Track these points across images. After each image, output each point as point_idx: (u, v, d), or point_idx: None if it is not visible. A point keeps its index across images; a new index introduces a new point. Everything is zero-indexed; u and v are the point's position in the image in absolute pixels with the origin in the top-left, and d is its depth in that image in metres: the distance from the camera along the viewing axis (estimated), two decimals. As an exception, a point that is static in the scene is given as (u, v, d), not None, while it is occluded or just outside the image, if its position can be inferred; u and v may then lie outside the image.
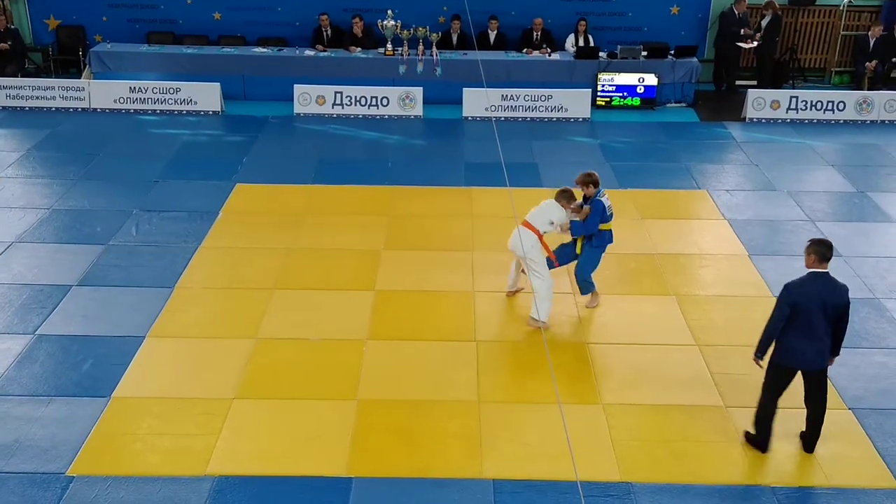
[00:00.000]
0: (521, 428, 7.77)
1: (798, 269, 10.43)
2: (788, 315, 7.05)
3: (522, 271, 9.52)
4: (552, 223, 9.13)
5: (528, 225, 9.15)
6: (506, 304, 9.71)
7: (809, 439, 7.51)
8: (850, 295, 10.23)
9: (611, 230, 9.35)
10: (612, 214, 9.26)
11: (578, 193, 9.34)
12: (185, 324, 9.28)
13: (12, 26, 16.71)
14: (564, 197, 9.24)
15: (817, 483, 7.22)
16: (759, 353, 7.26)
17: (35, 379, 8.32)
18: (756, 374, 8.46)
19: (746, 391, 8.26)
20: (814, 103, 15.91)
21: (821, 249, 7.07)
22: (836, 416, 7.99)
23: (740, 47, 16.86)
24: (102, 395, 8.09)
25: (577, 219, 9.24)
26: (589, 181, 9.24)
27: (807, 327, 7.07)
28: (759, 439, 7.49)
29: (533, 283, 9.13)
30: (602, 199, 9.21)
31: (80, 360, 8.59)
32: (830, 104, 15.90)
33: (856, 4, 17.61)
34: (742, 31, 16.68)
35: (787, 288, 7.06)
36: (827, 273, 7.10)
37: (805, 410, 7.48)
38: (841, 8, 17.63)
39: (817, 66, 18.32)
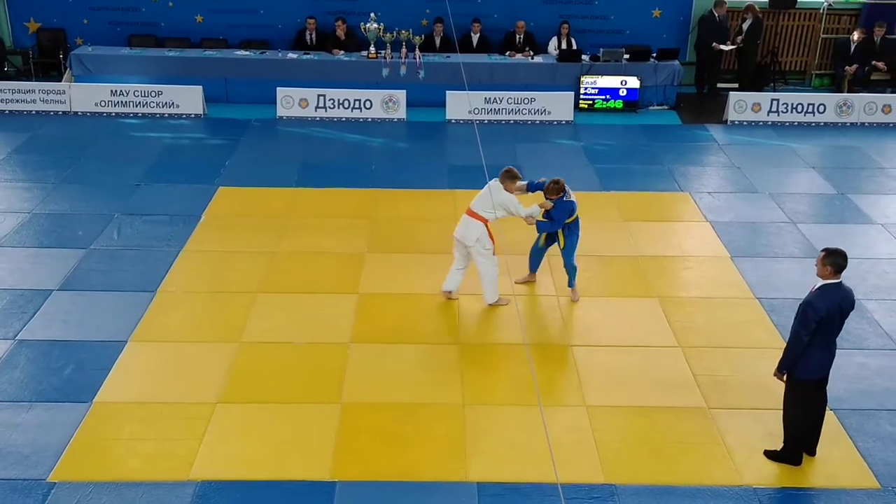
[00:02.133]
0: (505, 430, 7.78)
1: (779, 270, 10.58)
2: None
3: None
4: (495, 209, 9.18)
5: (473, 214, 9.21)
6: (488, 306, 9.69)
7: (812, 443, 7.53)
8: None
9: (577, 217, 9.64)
10: (575, 208, 9.56)
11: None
12: (167, 328, 9.24)
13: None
14: (507, 177, 9.35)
15: (799, 483, 7.26)
16: (785, 371, 7.19)
17: (15, 384, 8.25)
18: (738, 375, 8.57)
19: (729, 392, 8.32)
20: (794, 106, 16.02)
21: (838, 261, 7.00)
22: (817, 416, 8.05)
23: (721, 50, 16.95)
24: (84, 400, 8.04)
25: (542, 219, 9.50)
26: (560, 190, 9.41)
27: (827, 339, 7.11)
28: (796, 455, 7.44)
29: (480, 268, 9.38)
30: (570, 199, 9.45)
31: (61, 365, 8.53)
32: (811, 107, 16.02)
33: (836, 8, 17.74)
34: (713, 44, 16.76)
35: (812, 305, 6.95)
36: (841, 283, 7.09)
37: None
38: (821, 11, 17.76)
39: (798, 68, 18.43)
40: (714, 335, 9.29)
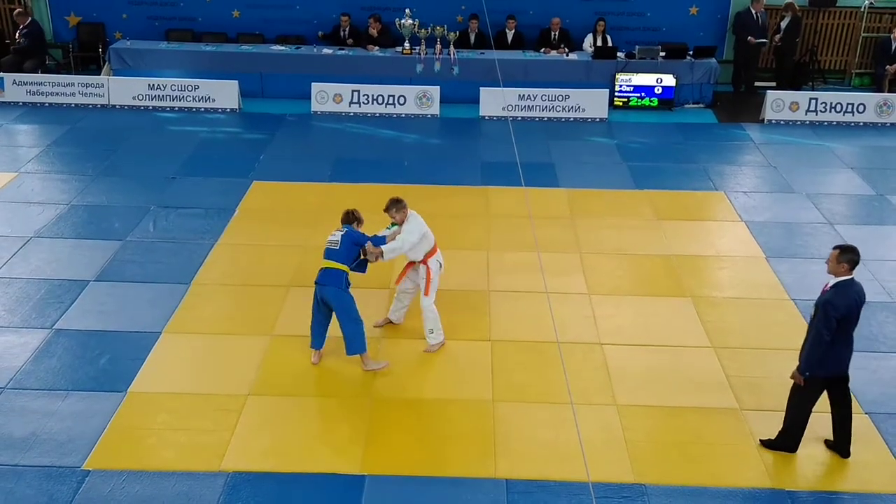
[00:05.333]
0: (535, 428, 7.76)
1: (815, 271, 10.44)
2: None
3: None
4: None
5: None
6: (520, 303, 9.68)
7: (844, 444, 7.48)
8: (868, 299, 10.17)
9: None
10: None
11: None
12: (201, 320, 9.33)
13: (37, 24, 16.82)
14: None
15: (833, 487, 7.17)
16: (810, 370, 7.13)
17: (52, 373, 8.38)
18: (771, 377, 8.46)
19: (762, 394, 8.24)
20: (833, 105, 15.79)
21: (854, 258, 7.03)
22: (853, 420, 7.93)
23: (758, 46, 16.76)
24: (119, 389, 8.14)
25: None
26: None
27: (847, 335, 7.08)
28: (792, 443, 7.44)
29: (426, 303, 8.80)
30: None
31: (96, 355, 8.65)
32: (850, 106, 15.78)
33: (877, 6, 17.46)
34: (748, 38, 16.59)
35: (832, 304, 6.94)
36: (853, 278, 7.07)
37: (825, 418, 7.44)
38: (862, 10, 17.50)
39: (837, 67, 18.19)
40: (748, 336, 9.19)
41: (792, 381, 7.32)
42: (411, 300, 9.09)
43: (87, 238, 10.98)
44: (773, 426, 7.78)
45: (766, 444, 7.55)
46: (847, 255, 7.02)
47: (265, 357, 8.70)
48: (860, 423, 7.89)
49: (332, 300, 8.27)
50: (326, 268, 8.32)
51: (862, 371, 8.59)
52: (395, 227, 8.71)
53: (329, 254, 8.35)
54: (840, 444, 7.48)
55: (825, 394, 7.35)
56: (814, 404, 7.34)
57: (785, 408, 7.47)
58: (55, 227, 11.23)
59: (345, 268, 8.30)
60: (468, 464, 7.34)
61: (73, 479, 7.06)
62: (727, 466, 7.39)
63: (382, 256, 8.49)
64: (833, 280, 7.07)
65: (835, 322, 6.92)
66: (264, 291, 9.85)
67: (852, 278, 7.06)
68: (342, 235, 8.38)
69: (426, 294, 8.71)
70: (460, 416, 7.90)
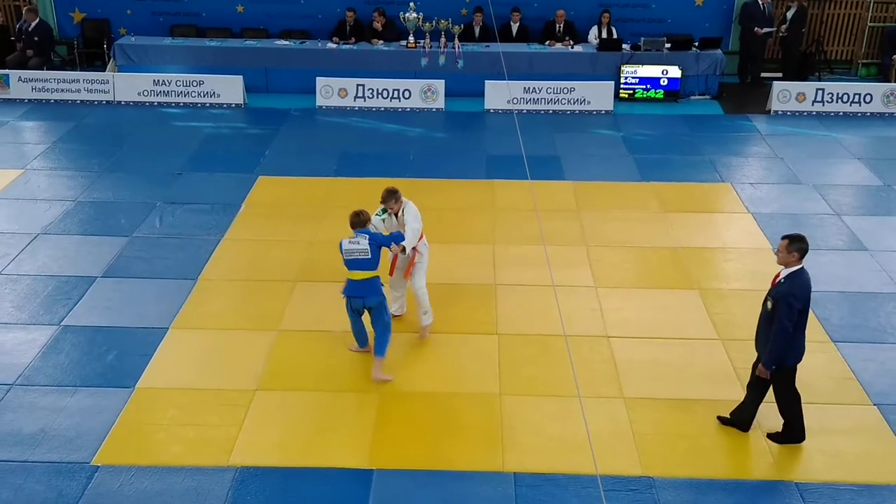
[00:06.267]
0: (542, 421, 7.76)
1: (822, 262, 10.42)
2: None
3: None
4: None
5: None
6: (527, 297, 9.67)
7: (748, 422, 7.57)
8: (875, 289, 10.20)
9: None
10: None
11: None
12: (208, 315, 9.34)
13: (46, 22, 16.83)
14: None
15: (842, 479, 7.15)
16: (777, 364, 7.14)
17: (60, 369, 8.40)
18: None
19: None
20: (840, 96, 15.73)
21: (804, 247, 7.05)
22: (861, 412, 7.93)
23: (763, 36, 16.70)
24: (126, 385, 8.16)
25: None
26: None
27: (803, 324, 7.13)
28: (800, 433, 7.46)
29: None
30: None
31: (104, 351, 8.67)
32: (857, 97, 15.72)
33: (883, -5, 17.40)
34: (755, 28, 16.52)
35: (793, 295, 6.96)
36: (803, 267, 7.10)
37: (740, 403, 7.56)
38: (868, -1, 17.44)
39: (844, 58, 18.10)
40: (755, 328, 9.14)
41: (779, 385, 7.32)
42: (406, 287, 9.06)
43: (93, 234, 11.00)
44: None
45: (774, 437, 7.53)
46: (796, 244, 7.03)
47: (272, 352, 8.71)
48: (869, 415, 7.89)
49: (377, 309, 8.17)
50: (362, 280, 8.05)
51: (870, 363, 8.58)
52: (385, 214, 8.66)
53: (360, 264, 8.01)
54: (745, 419, 7.58)
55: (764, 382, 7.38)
56: (794, 387, 7.37)
57: (778, 408, 7.47)
58: (62, 224, 11.25)
59: (377, 273, 8.13)
60: (476, 457, 7.34)
61: (82, 475, 7.08)
62: (735, 459, 7.38)
63: (405, 251, 8.46)
64: (786, 270, 7.07)
65: (797, 313, 6.96)
66: (271, 286, 9.86)
67: (802, 267, 7.08)
68: (368, 242, 7.98)
69: (406, 277, 8.79)
70: (468, 410, 7.90)
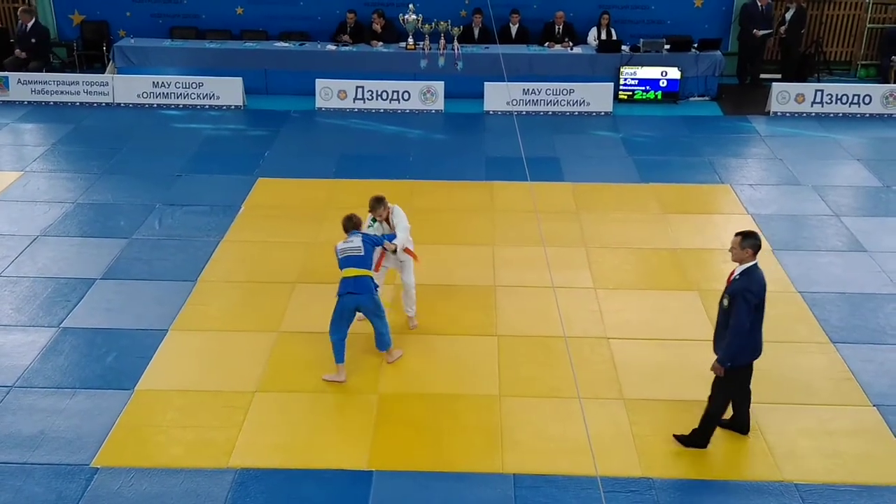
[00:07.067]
0: (542, 422, 7.76)
1: (822, 264, 10.43)
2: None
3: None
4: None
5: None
6: (526, 298, 9.68)
7: (746, 420, 7.57)
8: (875, 290, 10.19)
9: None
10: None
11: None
12: (207, 317, 9.34)
13: (42, 24, 16.83)
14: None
15: (841, 480, 7.15)
16: (732, 361, 7.11)
17: (60, 371, 8.40)
18: (778, 370, 8.47)
19: (769, 387, 8.21)
20: (839, 97, 15.74)
21: (757, 243, 7.05)
22: (861, 412, 7.93)
23: (762, 38, 16.71)
24: (126, 387, 8.16)
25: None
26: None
27: (759, 321, 7.11)
28: (706, 438, 7.43)
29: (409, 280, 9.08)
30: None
31: (103, 353, 8.67)
32: (856, 98, 15.72)
33: (882, -3, 17.41)
34: (753, 30, 16.53)
35: (749, 291, 6.92)
36: (756, 263, 7.09)
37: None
38: (867, 0, 17.42)
39: (843, 59, 18.11)
40: (754, 329, 9.16)
41: (721, 382, 7.29)
42: (383, 283, 9.11)
43: (93, 236, 11.00)
44: (781, 419, 7.80)
45: (682, 439, 7.47)
46: (749, 241, 7.02)
47: (272, 353, 8.71)
48: (868, 415, 7.89)
49: (370, 306, 8.24)
50: (356, 277, 8.11)
51: (869, 364, 8.59)
52: (376, 224, 8.77)
53: (353, 262, 8.13)
54: (743, 422, 7.56)
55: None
56: (745, 388, 7.37)
57: (707, 404, 7.44)
58: (61, 226, 11.25)
59: (371, 273, 8.25)
60: (476, 459, 7.34)
61: (82, 477, 7.08)
62: (735, 460, 7.38)
63: (396, 251, 8.67)
64: (740, 267, 7.05)
65: (754, 310, 6.95)
66: (270, 288, 9.86)
67: (756, 263, 7.07)
68: (362, 241, 8.18)
69: (408, 274, 8.98)
70: (467, 411, 7.90)
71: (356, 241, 8.18)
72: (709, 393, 7.37)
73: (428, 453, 7.40)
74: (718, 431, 7.63)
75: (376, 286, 8.32)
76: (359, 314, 8.50)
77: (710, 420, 7.40)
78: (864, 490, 7.05)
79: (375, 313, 8.31)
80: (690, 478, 7.16)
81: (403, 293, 9.12)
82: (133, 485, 7.01)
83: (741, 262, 7.04)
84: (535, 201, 11.90)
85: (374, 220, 8.78)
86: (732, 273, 7.13)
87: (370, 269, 8.25)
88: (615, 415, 7.87)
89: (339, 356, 8.28)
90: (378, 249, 8.54)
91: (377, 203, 8.69)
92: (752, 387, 8.25)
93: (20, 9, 16.80)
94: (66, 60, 17.62)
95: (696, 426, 7.44)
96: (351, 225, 8.31)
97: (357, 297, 8.15)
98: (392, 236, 8.65)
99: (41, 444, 7.43)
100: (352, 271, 8.13)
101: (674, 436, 7.51)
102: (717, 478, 7.17)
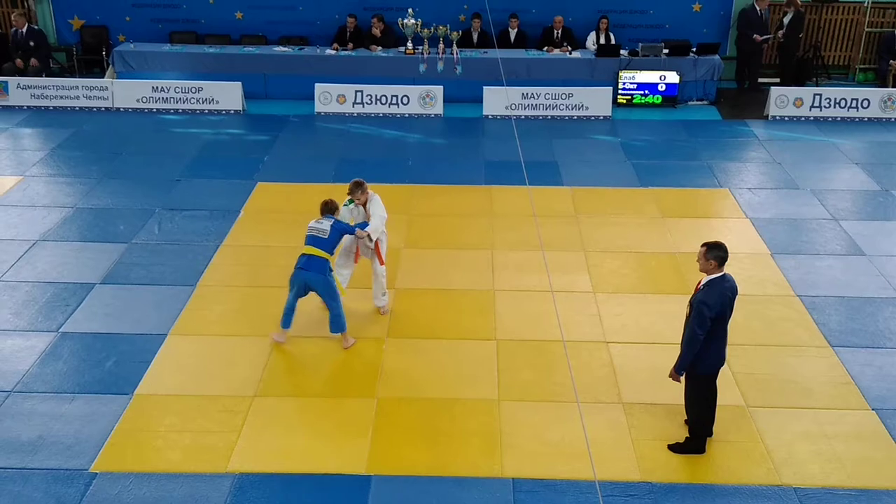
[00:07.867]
0: (541, 427, 7.76)
1: (821, 268, 10.44)
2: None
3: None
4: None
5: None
6: (525, 302, 9.67)
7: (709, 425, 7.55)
8: (873, 294, 10.19)
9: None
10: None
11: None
12: (206, 322, 9.34)
13: (36, 27, 16.85)
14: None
15: (840, 484, 7.15)
16: (684, 370, 7.14)
17: (59, 376, 8.40)
18: (777, 374, 8.49)
19: (768, 391, 8.24)
20: (838, 101, 15.76)
21: (721, 255, 7.01)
22: (860, 417, 7.93)
23: (761, 43, 16.74)
24: (125, 392, 8.16)
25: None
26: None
27: (722, 331, 7.10)
28: (701, 444, 7.45)
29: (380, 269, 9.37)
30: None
31: (102, 358, 8.67)
32: (855, 102, 15.75)
33: (880, 1, 17.43)
34: (753, 35, 16.56)
35: (706, 304, 6.91)
36: (724, 274, 7.07)
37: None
38: (865, 5, 17.46)
39: (841, 63, 18.14)
40: (753, 333, 9.18)
41: (691, 392, 7.35)
42: (353, 267, 9.42)
43: (92, 241, 11.01)
44: (779, 423, 7.80)
45: (676, 448, 7.48)
46: (714, 252, 7.00)
47: (270, 358, 8.71)
48: (867, 419, 7.89)
49: (318, 286, 8.67)
50: (312, 255, 8.60)
51: (868, 368, 8.59)
52: (352, 205, 9.15)
53: (316, 241, 8.64)
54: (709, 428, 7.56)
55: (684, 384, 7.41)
56: (715, 399, 7.36)
57: (686, 414, 7.52)
58: (60, 231, 11.26)
59: (329, 256, 8.65)
60: (474, 463, 7.34)
61: (81, 482, 7.08)
62: (734, 464, 7.37)
63: (370, 238, 8.97)
64: (707, 278, 7.05)
65: (709, 321, 6.92)
66: (269, 293, 9.86)
67: (723, 274, 7.05)
68: (331, 225, 8.68)
69: (382, 263, 9.26)
70: (466, 416, 7.90)
71: (325, 225, 8.68)
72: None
73: (426, 458, 7.39)
74: (717, 435, 7.64)
75: (330, 269, 8.71)
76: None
77: (699, 427, 7.42)
78: (863, 494, 7.05)
79: (326, 292, 8.68)
80: (689, 482, 7.15)
81: (374, 281, 9.38)
82: (132, 490, 7.00)
83: (707, 273, 7.04)
84: (534, 205, 11.91)
85: (350, 201, 9.16)
86: (700, 282, 7.13)
87: (330, 253, 8.66)
88: (614, 419, 7.87)
89: (285, 322, 8.81)
90: (349, 237, 8.96)
91: (356, 187, 9.14)
92: (749, 390, 8.31)
93: (14, 14, 16.76)
94: (65, 65, 17.64)
95: (688, 435, 7.48)
96: (326, 209, 8.85)
97: (306, 274, 8.61)
98: (365, 224, 9.00)
99: (40, 448, 7.43)
100: (310, 249, 8.62)
101: (668, 446, 7.50)
102: (716, 482, 7.16)
